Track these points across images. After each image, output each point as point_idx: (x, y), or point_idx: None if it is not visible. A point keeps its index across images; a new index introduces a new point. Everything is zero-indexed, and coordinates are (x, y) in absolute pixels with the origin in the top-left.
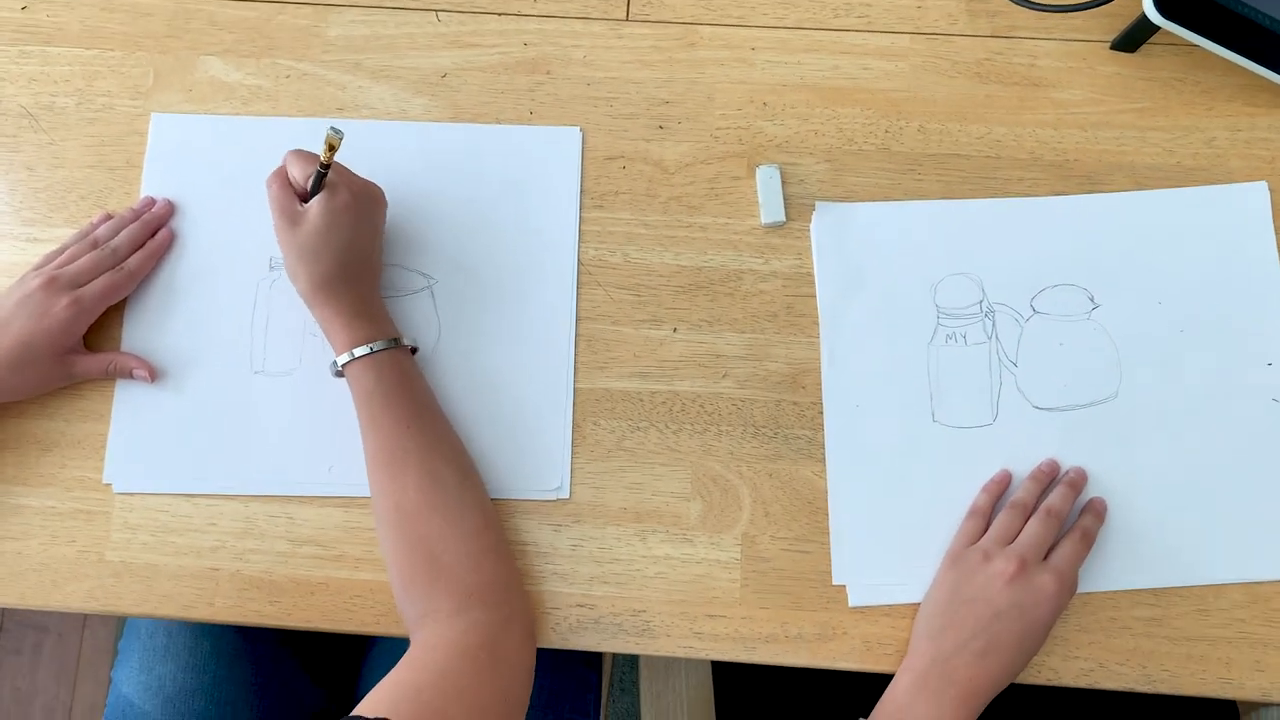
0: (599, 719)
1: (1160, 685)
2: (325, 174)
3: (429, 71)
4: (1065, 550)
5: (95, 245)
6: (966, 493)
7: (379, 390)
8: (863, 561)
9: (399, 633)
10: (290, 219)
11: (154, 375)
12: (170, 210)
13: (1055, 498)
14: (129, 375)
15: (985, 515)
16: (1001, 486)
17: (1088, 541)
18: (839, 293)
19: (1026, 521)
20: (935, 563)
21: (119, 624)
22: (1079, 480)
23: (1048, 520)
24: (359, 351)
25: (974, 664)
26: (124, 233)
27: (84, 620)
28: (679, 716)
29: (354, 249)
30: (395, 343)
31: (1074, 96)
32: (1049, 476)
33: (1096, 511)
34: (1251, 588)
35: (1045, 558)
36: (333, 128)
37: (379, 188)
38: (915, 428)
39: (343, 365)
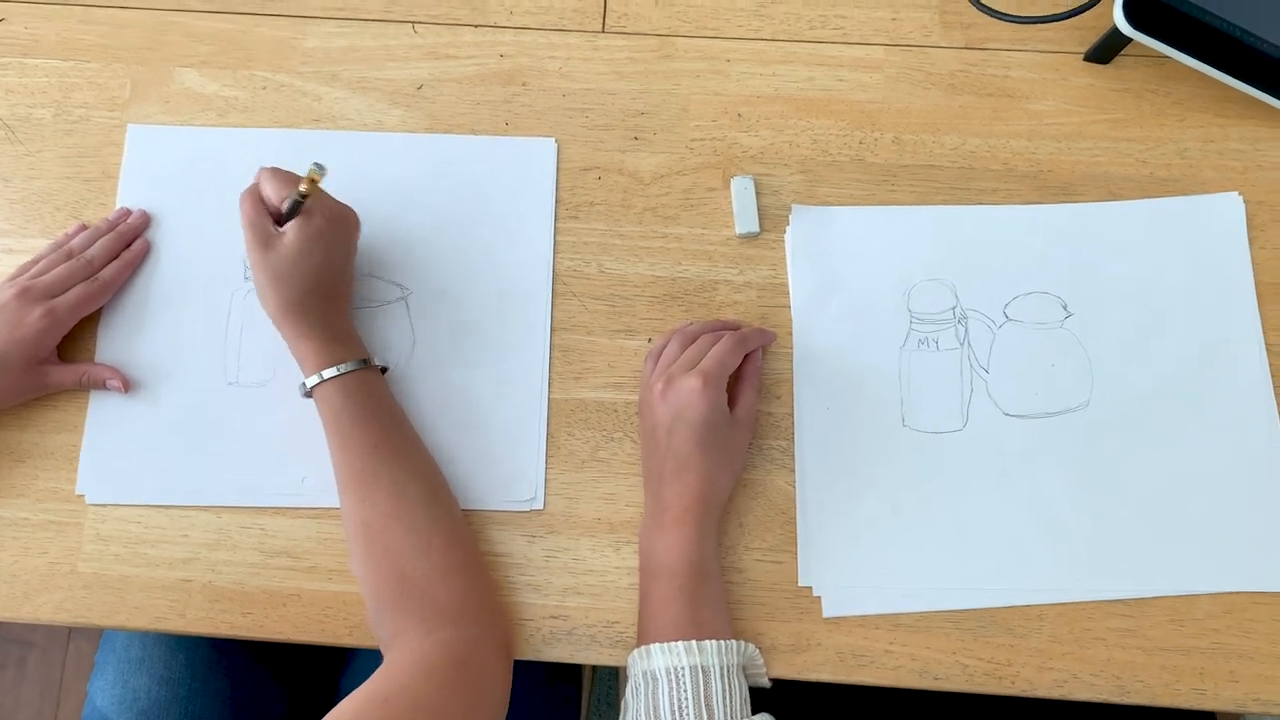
0: (584, 712)
1: (1134, 696)
2: (303, 202)
3: (405, 83)
4: (711, 352)
5: (70, 256)
6: (935, 497)
7: (347, 411)
8: (829, 563)
9: (371, 644)
10: (264, 241)
11: (128, 386)
12: (146, 221)
13: (694, 325)
14: (102, 386)
15: (655, 359)
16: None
17: (733, 339)
18: (812, 295)
19: None
20: (903, 566)
21: (100, 637)
22: (749, 333)
23: (680, 338)
24: (328, 373)
25: (675, 484)
26: (99, 243)
27: (68, 636)
28: None
29: (327, 273)
30: (364, 363)
31: (1048, 107)
32: (725, 325)
33: (757, 328)
34: (1226, 598)
35: None
36: (316, 163)
37: (354, 211)
38: (885, 432)
39: (311, 387)
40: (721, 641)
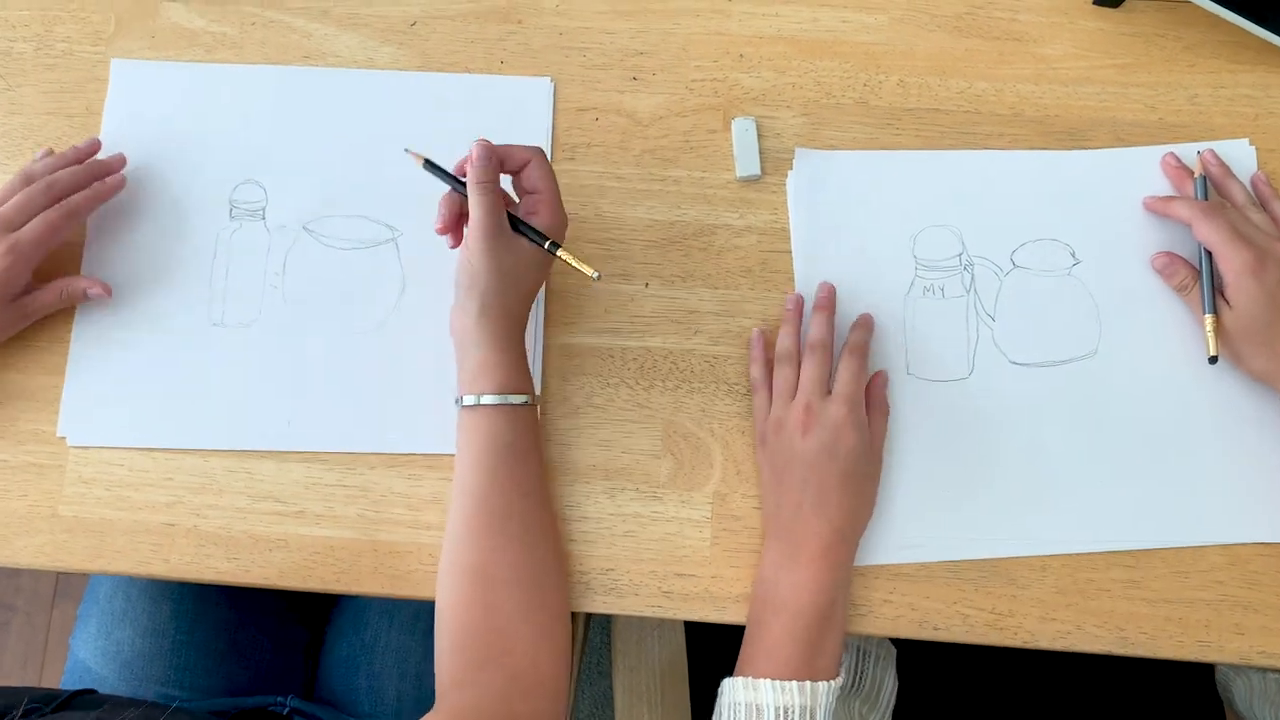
0: (572, 687)
1: (1137, 648)
2: (554, 250)
3: (397, 20)
4: (841, 374)
5: (29, 182)
6: (938, 446)
7: (509, 444)
8: None
9: (359, 591)
10: (502, 231)
11: (109, 290)
12: (122, 161)
13: (814, 331)
14: (84, 297)
15: (767, 385)
16: (767, 351)
17: (858, 354)
18: (815, 240)
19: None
20: (903, 516)
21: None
22: (826, 302)
23: (813, 355)
24: (515, 399)
25: (813, 519)
26: (66, 171)
27: (52, 600)
28: (653, 694)
29: (530, 298)
30: (533, 400)
31: (1056, 51)
32: (798, 315)
33: (861, 324)
34: (1231, 550)
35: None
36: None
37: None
38: (889, 380)
39: (489, 404)
40: (832, 683)
